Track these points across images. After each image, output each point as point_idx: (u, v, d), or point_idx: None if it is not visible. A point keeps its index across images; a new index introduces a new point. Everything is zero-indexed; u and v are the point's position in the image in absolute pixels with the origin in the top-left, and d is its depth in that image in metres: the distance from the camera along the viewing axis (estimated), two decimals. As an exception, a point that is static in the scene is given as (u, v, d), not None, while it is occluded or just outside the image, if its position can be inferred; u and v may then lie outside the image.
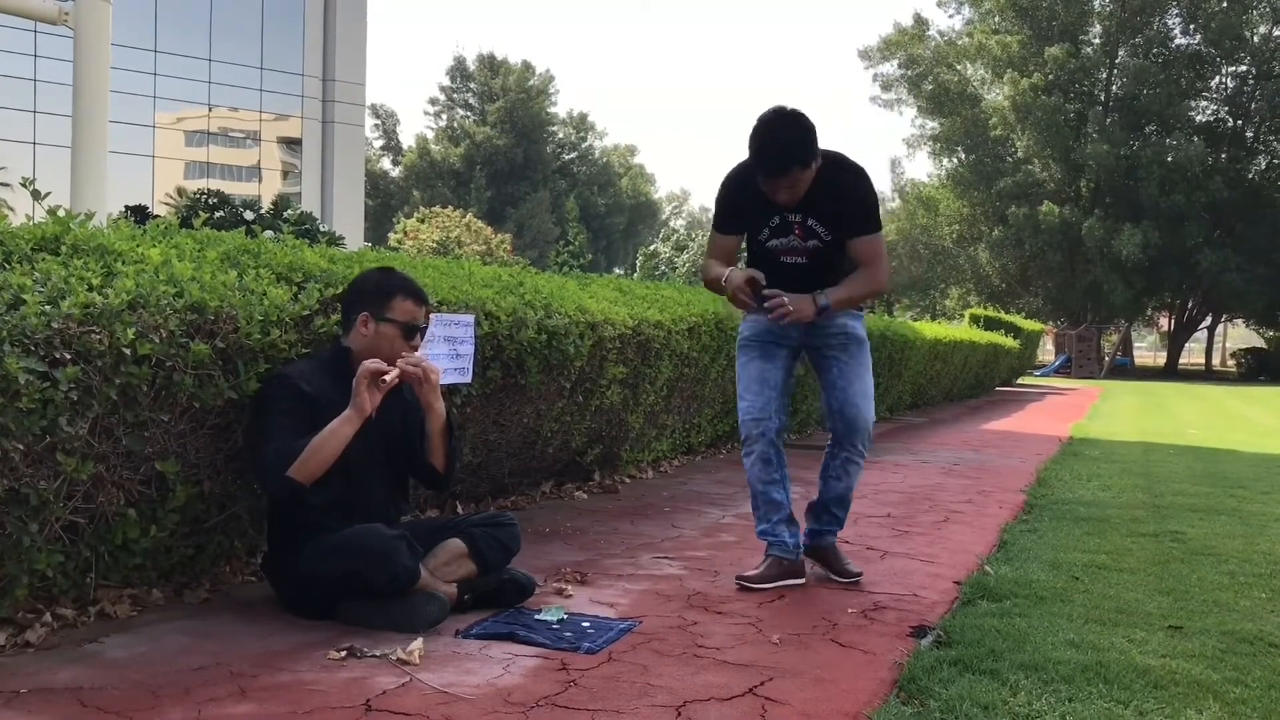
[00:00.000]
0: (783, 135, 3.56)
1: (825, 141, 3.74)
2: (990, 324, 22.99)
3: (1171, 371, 41.61)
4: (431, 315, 3.61)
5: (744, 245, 3.94)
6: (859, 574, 3.91)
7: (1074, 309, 40.82)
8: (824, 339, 3.85)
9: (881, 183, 52.48)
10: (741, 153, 3.71)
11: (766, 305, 3.66)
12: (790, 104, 3.62)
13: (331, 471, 3.14)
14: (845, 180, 3.71)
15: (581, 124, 67.79)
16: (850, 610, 3.51)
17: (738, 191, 3.80)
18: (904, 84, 43.98)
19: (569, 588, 3.67)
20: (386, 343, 3.31)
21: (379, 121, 64.72)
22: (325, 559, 3.09)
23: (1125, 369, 39.68)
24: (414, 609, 3.09)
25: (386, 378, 3.18)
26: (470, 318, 4.10)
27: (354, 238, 27.78)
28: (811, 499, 4.03)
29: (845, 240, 3.72)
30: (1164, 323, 48.77)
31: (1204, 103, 41.65)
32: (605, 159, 69.22)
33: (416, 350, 3.37)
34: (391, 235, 35.99)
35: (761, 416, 3.86)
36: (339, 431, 3.12)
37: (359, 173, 35.57)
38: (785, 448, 3.93)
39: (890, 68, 44.27)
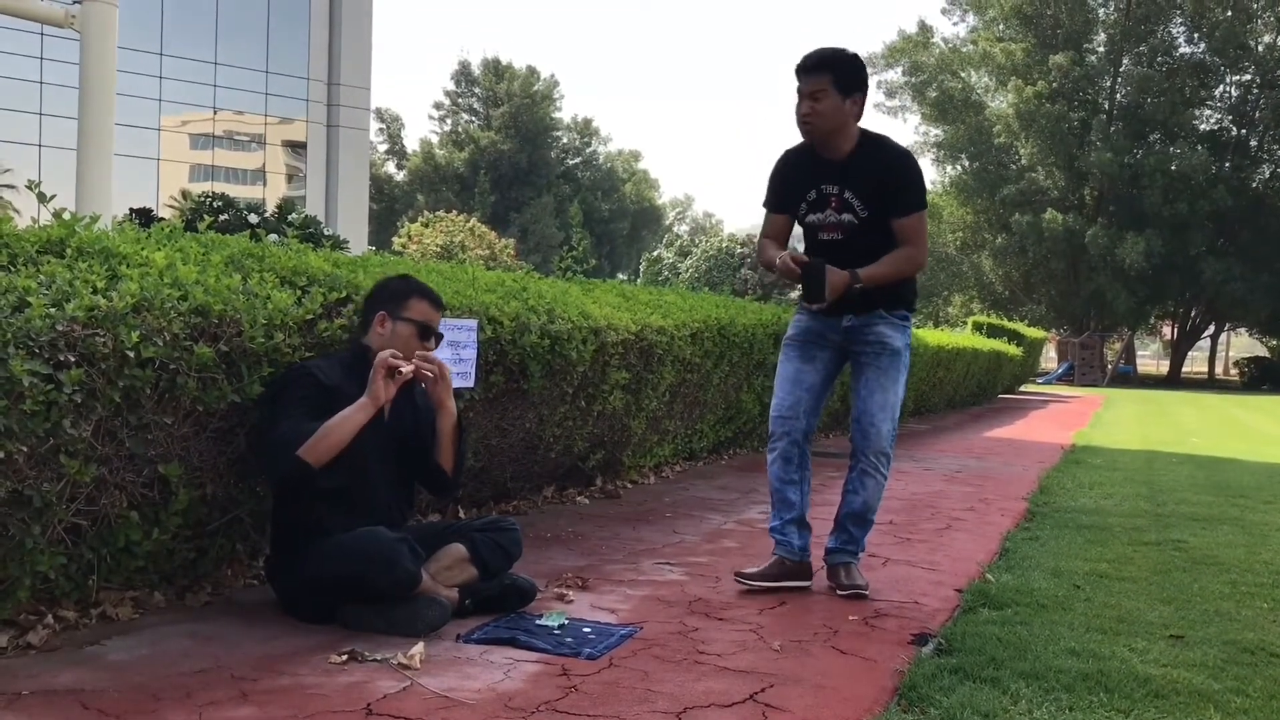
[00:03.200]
0: (827, 48, 3.74)
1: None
2: (993, 331, 22.98)
3: (1174, 380, 41.57)
4: (436, 320, 3.64)
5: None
6: (856, 587, 3.79)
7: (1077, 317, 40.79)
8: (860, 345, 3.85)
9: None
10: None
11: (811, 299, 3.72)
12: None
13: (340, 468, 3.16)
14: (886, 156, 3.76)
15: (586, 129, 67.83)
16: (851, 617, 3.51)
17: (783, 166, 3.91)
18: (908, 91, 44.00)
19: (570, 593, 3.67)
20: (402, 341, 3.37)
21: (383, 125, 64.83)
22: (327, 561, 3.10)
23: (1128, 377, 39.64)
24: (415, 613, 3.09)
25: (403, 369, 3.22)
26: (473, 322, 4.11)
27: (358, 242, 27.84)
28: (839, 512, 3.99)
29: (887, 219, 3.73)
30: (1167, 331, 48.72)
31: (1208, 111, 41.68)
32: (609, 164, 69.23)
33: (431, 352, 3.42)
34: (395, 239, 35.99)
35: (789, 415, 3.89)
36: (352, 418, 3.15)
37: (363, 177, 35.62)
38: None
39: (894, 75, 44.34)
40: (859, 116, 3.76)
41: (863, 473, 3.85)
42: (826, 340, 3.90)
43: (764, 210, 4.02)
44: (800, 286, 3.81)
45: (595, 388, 5.39)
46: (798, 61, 3.74)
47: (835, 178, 3.75)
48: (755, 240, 39.06)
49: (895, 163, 3.75)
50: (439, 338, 3.54)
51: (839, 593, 3.80)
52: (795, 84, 3.75)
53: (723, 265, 44.92)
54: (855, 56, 3.75)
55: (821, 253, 3.80)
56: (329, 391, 3.23)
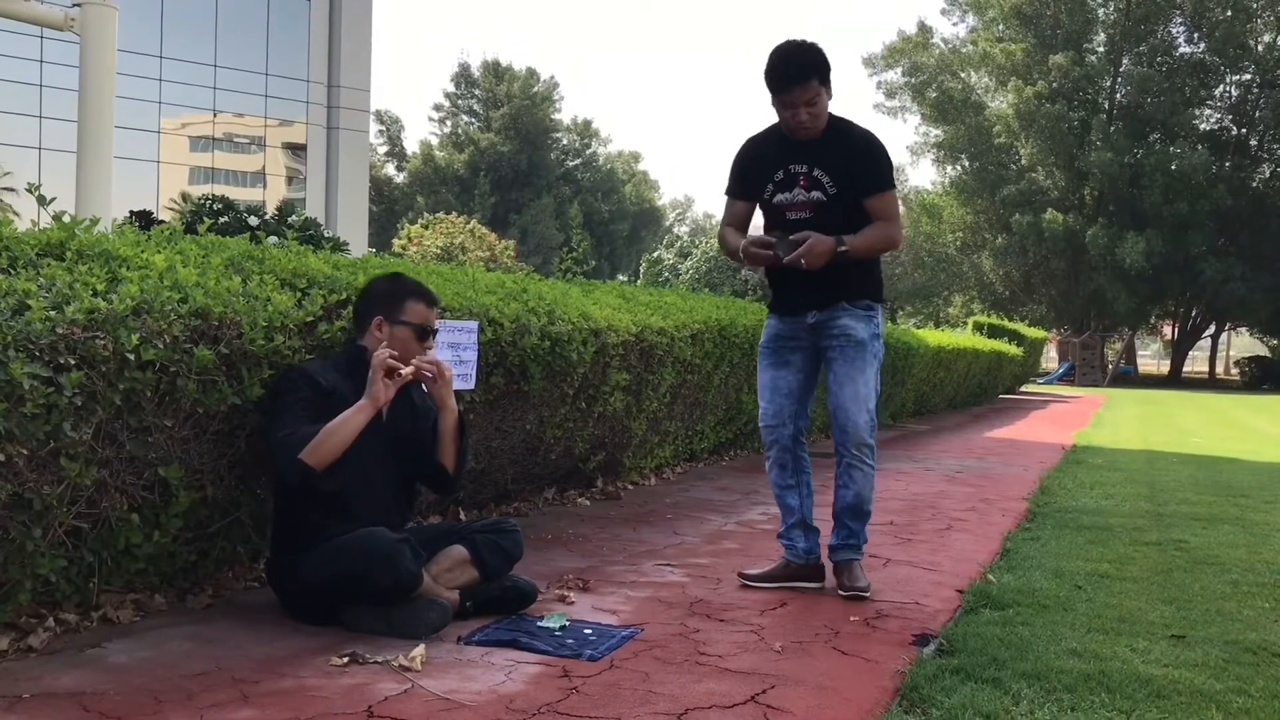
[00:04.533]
0: (797, 47, 3.70)
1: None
2: (994, 332, 22.98)
3: (1175, 380, 41.57)
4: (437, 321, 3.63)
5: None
6: (857, 589, 3.78)
7: (1078, 317, 40.80)
8: (826, 339, 3.85)
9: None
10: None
11: (786, 252, 3.70)
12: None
13: (340, 470, 3.16)
14: (854, 134, 3.80)
15: (586, 131, 67.85)
16: (853, 618, 3.51)
17: (748, 151, 3.93)
18: (908, 91, 44.02)
19: (571, 594, 3.67)
20: (401, 344, 3.36)
21: (383, 127, 64.82)
22: (329, 562, 3.10)
23: (1129, 377, 39.64)
24: (416, 615, 3.09)
25: (403, 371, 3.22)
26: (474, 324, 4.11)
27: (358, 244, 27.83)
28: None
29: (858, 199, 3.75)
30: (1167, 331, 48.72)
31: (1208, 111, 41.69)
32: (609, 166, 69.25)
33: (429, 351, 3.42)
34: (395, 241, 35.97)
35: (774, 424, 3.91)
36: (352, 419, 3.15)
37: (363, 179, 35.60)
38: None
39: (894, 75, 44.36)
40: None
41: (849, 466, 3.84)
42: (797, 341, 3.91)
43: (725, 198, 4.02)
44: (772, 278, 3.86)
45: (596, 389, 5.39)
46: (775, 73, 3.68)
47: (805, 157, 3.77)
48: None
49: (863, 144, 3.79)
50: (436, 334, 3.54)
51: (841, 593, 3.80)
52: (777, 95, 3.69)
53: (723, 266, 44.85)
54: (821, 52, 3.74)
55: (790, 231, 3.79)
56: (327, 394, 3.23)
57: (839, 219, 3.74)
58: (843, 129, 3.80)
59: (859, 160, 3.75)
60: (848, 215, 3.75)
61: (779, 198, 3.84)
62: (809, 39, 3.74)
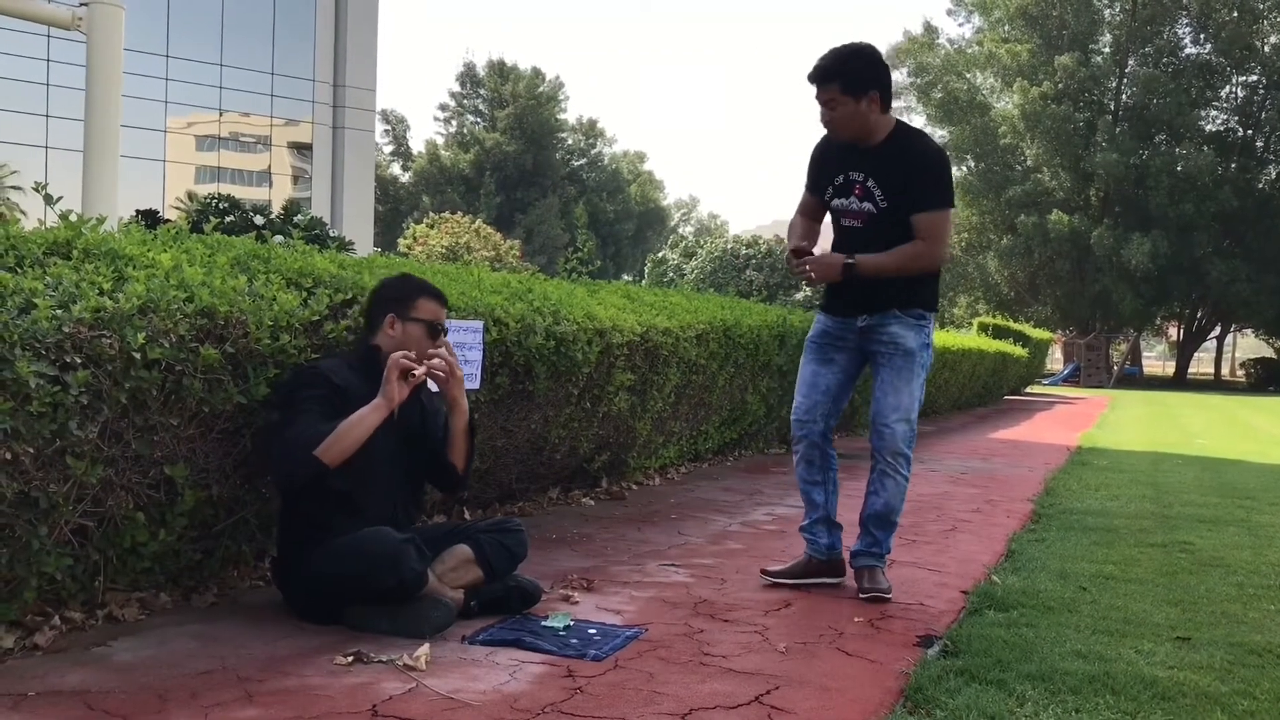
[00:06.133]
0: (835, 52, 3.71)
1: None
2: (999, 332, 22.95)
3: (1180, 381, 41.49)
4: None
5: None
6: (878, 590, 3.76)
7: (1083, 318, 40.72)
8: (875, 345, 3.85)
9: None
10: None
11: (797, 268, 3.78)
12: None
13: (349, 469, 3.17)
14: (917, 149, 3.78)
15: (591, 130, 67.81)
16: (857, 619, 3.51)
17: (821, 147, 3.96)
18: (913, 92, 43.90)
19: (575, 594, 3.67)
20: (413, 342, 3.38)
21: (389, 127, 64.82)
22: (333, 561, 3.10)
23: (1134, 378, 39.57)
24: (420, 614, 3.10)
25: (416, 372, 3.24)
26: (479, 324, 4.12)
27: (363, 243, 27.85)
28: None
29: (908, 214, 3.73)
30: (1173, 332, 48.63)
31: (1214, 112, 41.61)
32: (614, 166, 69.18)
33: (440, 349, 3.42)
34: (401, 241, 35.97)
35: (806, 419, 3.92)
36: (366, 418, 3.16)
37: (369, 178, 35.64)
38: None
39: (899, 76, 44.16)
40: (884, 108, 3.75)
41: (881, 474, 3.84)
42: (844, 341, 3.91)
43: (804, 189, 4.06)
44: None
45: (600, 389, 5.39)
46: (812, 69, 3.73)
47: (863, 165, 3.77)
48: (759, 242, 38.98)
49: (921, 159, 3.76)
50: (445, 332, 3.56)
51: (861, 596, 3.80)
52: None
53: (728, 266, 44.82)
54: (861, 55, 3.71)
55: (843, 238, 3.84)
56: (341, 392, 3.24)
57: (889, 232, 3.73)
58: (906, 143, 3.78)
59: (914, 177, 3.73)
60: (900, 229, 3.73)
61: (836, 202, 3.86)
62: (863, 44, 3.74)
